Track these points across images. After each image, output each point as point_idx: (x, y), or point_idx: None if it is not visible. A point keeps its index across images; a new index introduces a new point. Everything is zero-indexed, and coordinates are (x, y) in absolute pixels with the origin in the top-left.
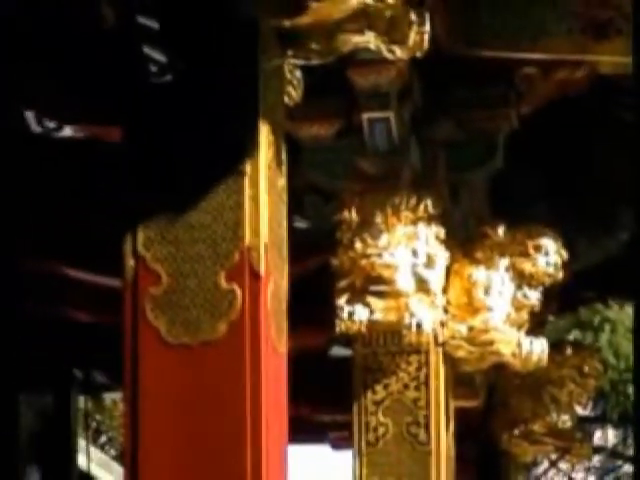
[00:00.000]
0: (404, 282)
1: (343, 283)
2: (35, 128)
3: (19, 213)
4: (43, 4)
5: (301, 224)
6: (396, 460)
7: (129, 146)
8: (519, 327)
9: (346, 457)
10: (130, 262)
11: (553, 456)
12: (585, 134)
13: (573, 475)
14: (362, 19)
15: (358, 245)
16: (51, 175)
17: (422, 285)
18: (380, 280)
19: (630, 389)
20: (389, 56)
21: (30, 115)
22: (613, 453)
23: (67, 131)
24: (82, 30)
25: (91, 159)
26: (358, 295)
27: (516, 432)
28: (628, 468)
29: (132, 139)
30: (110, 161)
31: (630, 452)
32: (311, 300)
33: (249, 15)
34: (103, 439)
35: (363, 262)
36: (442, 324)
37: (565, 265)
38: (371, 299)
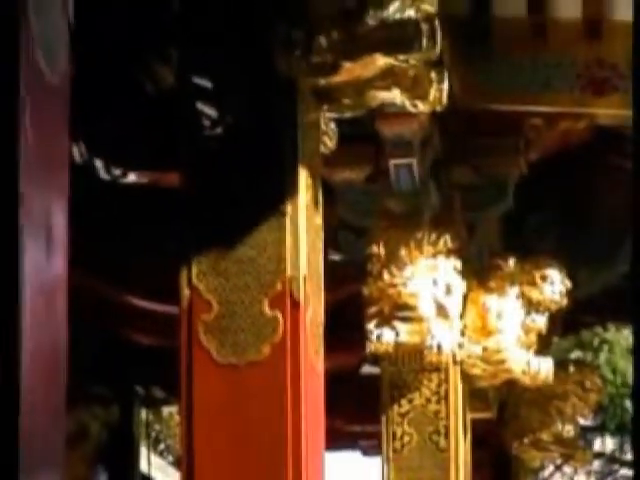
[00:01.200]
0: (426, 308)
1: (372, 309)
2: (104, 175)
3: (92, 249)
4: (112, 67)
5: (335, 257)
6: (419, 465)
7: (185, 190)
8: (528, 348)
9: (375, 462)
10: (185, 292)
11: (558, 461)
12: (586, 178)
13: (576, 478)
14: (389, 78)
15: (386, 276)
16: (118, 215)
17: (442, 311)
18: (405, 307)
19: (626, 402)
20: (412, 110)
21: (99, 164)
22: (611, 458)
23: (131, 177)
24: (145, 89)
25: (152, 201)
26: (386, 320)
27: (525, 440)
28: (625, 472)
29: (188, 183)
30: (168, 203)
31: (626, 457)
32: (344, 324)
33: (290, 75)
34: (162, 446)
35: (390, 291)
36: (459, 345)
37: (568, 293)
38: (397, 323)
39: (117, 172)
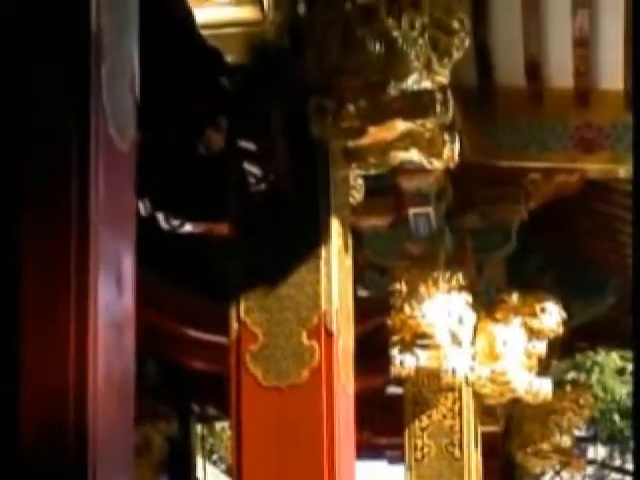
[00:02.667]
0: (442, 337)
1: (395, 338)
2: (164, 225)
3: (155, 289)
4: (171, 134)
5: (363, 293)
6: (437, 472)
7: (234, 237)
8: (530, 370)
9: (399, 470)
10: (235, 325)
11: (557, 468)
12: (578, 223)
13: None
14: (408, 139)
15: (407, 309)
16: (177, 259)
17: (455, 339)
18: (424, 335)
19: (615, 416)
20: (428, 166)
21: (160, 216)
22: (603, 465)
23: (188, 227)
24: (199, 152)
25: (206, 248)
26: (407, 347)
27: (528, 450)
28: (614, 476)
29: (236, 232)
30: (220, 249)
31: (615, 464)
32: (371, 351)
33: (323, 138)
34: (215, 457)
35: (411, 322)
36: (471, 369)
37: (564, 322)
38: (417, 350)
39: (176, 223)
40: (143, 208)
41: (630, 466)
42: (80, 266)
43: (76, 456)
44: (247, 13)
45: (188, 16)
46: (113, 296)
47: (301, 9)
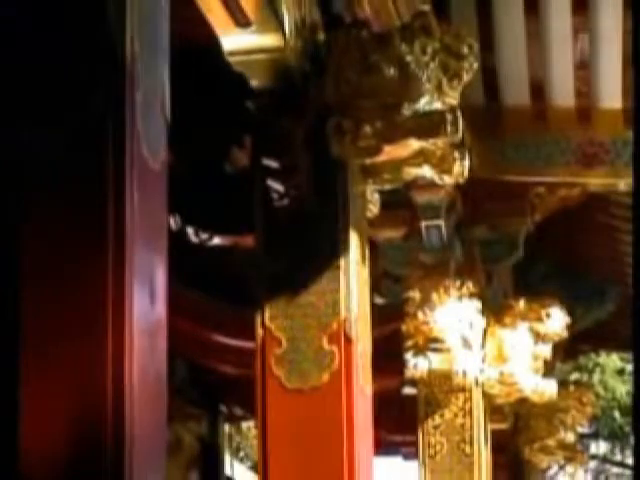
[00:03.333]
0: (453, 341)
1: (410, 343)
2: (194, 239)
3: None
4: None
5: (379, 301)
6: (449, 468)
7: (259, 249)
8: (536, 371)
9: (413, 466)
10: (260, 331)
11: (562, 462)
12: (580, 234)
13: (576, 476)
14: (420, 157)
15: (420, 315)
16: (206, 270)
17: (466, 343)
18: (436, 340)
19: (615, 413)
20: (440, 182)
21: (190, 230)
22: (604, 459)
23: (216, 240)
24: (226, 169)
25: (232, 259)
26: (420, 351)
27: (535, 446)
28: (615, 470)
29: (261, 244)
30: (245, 260)
31: (616, 458)
32: (387, 355)
33: (342, 156)
34: (241, 454)
35: (424, 327)
36: (480, 370)
37: (568, 327)
38: (430, 353)
39: (204, 236)
40: (174, 223)
41: (630, 460)
42: (117, 278)
43: (113, 453)
44: (270, 40)
45: (215, 44)
46: (147, 305)
47: (320, 36)
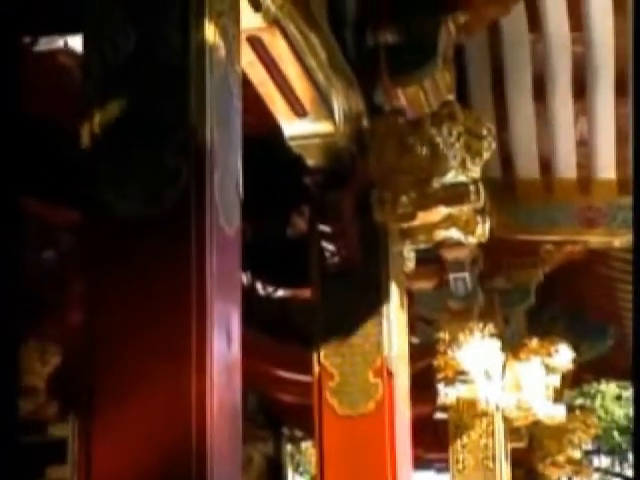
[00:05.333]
0: (477, 374)
1: (441, 375)
2: (262, 292)
3: (256, 341)
4: (266, 221)
5: (415, 340)
6: None
7: (315, 300)
8: (547, 398)
9: (445, 479)
10: (317, 367)
11: (570, 475)
12: (582, 282)
13: None
14: (449, 221)
15: (449, 352)
16: (273, 318)
17: (488, 375)
18: (463, 373)
19: (615, 433)
20: (465, 241)
21: (259, 284)
22: (606, 472)
23: (280, 292)
24: (286, 233)
25: (293, 309)
26: (450, 382)
27: (547, 461)
28: None
29: (317, 296)
30: (304, 309)
31: (616, 470)
32: (422, 386)
33: (383, 221)
34: (301, 469)
35: (452, 362)
36: (500, 398)
37: (573, 360)
38: (458, 384)
39: (270, 289)
40: (246, 278)
41: (628, 472)
42: (199, 325)
43: (198, 471)
44: (323, 127)
45: (278, 131)
46: (224, 347)
47: (365, 122)
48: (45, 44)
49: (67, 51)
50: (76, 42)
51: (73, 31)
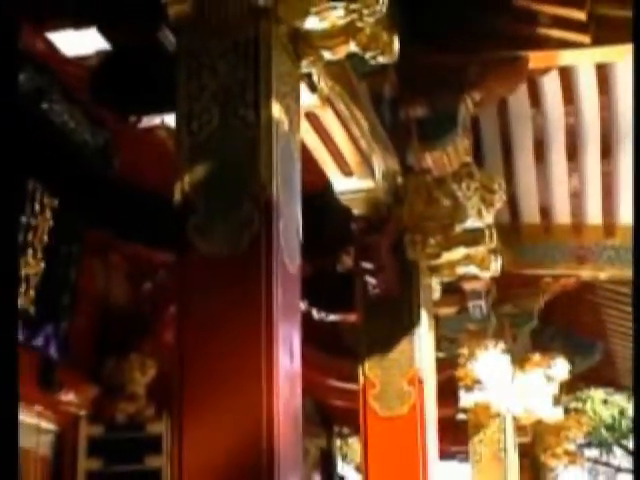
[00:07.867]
0: (490, 383)
1: (462, 384)
2: (316, 316)
3: (314, 357)
4: (319, 259)
5: (440, 355)
6: (490, 469)
7: (360, 323)
8: (548, 402)
9: (466, 468)
10: (362, 378)
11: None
12: (576, 309)
13: (576, 474)
14: (468, 259)
15: (469, 365)
16: (324, 338)
17: (500, 384)
18: (479, 382)
19: (602, 430)
20: (481, 275)
21: (314, 310)
22: (595, 461)
23: (331, 317)
24: (336, 269)
25: (342, 330)
26: (469, 389)
27: (548, 453)
28: (604, 470)
29: (362, 320)
30: (351, 331)
31: (604, 460)
32: (447, 392)
33: (415, 259)
34: (348, 460)
35: (471, 373)
36: (510, 402)
37: (569, 372)
38: (476, 391)
39: (324, 314)
40: (304, 306)
41: (614, 461)
42: (268, 344)
43: (267, 462)
44: (366, 184)
45: (329, 187)
46: (288, 362)
47: (399, 180)
48: (146, 122)
49: (163, 126)
50: (170, 119)
51: (169, 111)
